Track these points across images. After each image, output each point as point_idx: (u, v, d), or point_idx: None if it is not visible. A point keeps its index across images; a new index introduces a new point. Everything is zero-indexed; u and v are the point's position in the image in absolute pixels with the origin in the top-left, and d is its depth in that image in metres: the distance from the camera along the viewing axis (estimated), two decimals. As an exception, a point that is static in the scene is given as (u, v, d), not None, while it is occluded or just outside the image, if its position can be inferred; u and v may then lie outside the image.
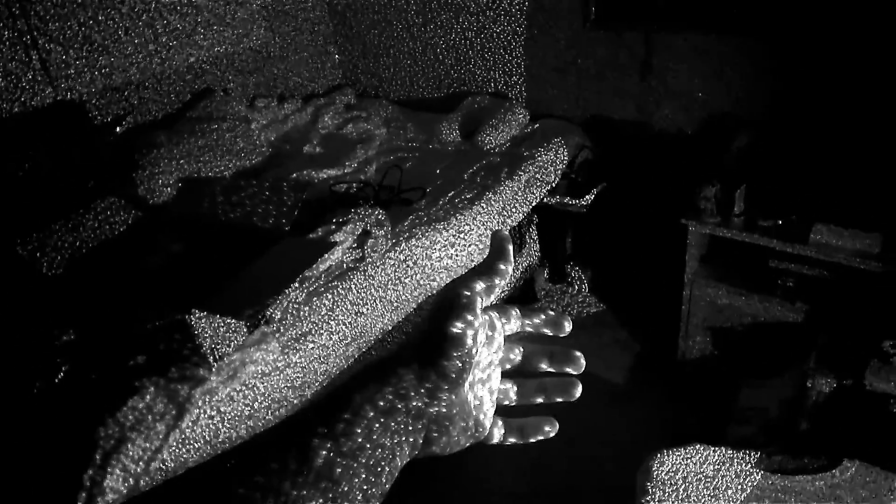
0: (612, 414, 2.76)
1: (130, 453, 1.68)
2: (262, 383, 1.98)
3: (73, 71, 2.69)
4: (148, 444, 1.71)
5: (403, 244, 2.51)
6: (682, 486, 1.57)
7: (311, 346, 2.12)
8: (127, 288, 2.19)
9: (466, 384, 0.50)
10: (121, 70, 2.86)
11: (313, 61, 4.10)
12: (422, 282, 2.57)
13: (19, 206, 2.50)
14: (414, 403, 0.47)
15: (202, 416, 1.82)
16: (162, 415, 1.77)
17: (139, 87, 3.20)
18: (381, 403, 0.46)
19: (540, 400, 0.57)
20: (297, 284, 2.14)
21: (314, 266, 2.22)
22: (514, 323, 0.56)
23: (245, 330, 1.96)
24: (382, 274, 2.40)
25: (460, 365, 0.49)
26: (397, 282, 2.45)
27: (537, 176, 3.10)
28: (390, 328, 2.50)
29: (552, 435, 0.57)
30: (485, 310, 0.53)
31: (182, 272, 2.27)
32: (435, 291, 2.64)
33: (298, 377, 2.10)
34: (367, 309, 2.34)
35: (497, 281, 0.54)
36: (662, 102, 3.16)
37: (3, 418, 1.81)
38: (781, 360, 2.51)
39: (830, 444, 1.86)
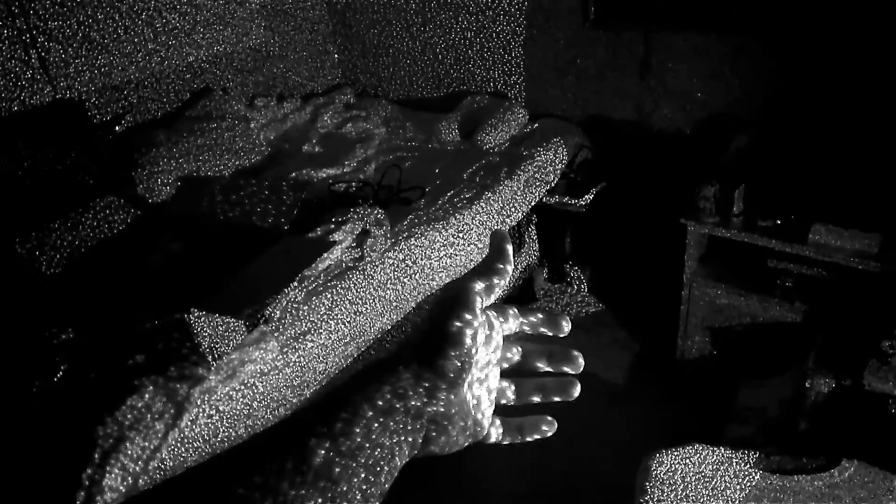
0: (612, 414, 2.76)
1: (129, 452, 1.68)
2: (261, 382, 1.98)
3: (72, 70, 2.68)
4: (147, 443, 1.71)
5: (402, 244, 2.51)
6: (681, 486, 1.57)
7: (310, 345, 2.12)
8: (126, 287, 2.19)
9: (465, 384, 0.50)
10: (120, 69, 2.86)
11: (313, 60, 4.10)
12: (421, 281, 2.57)
13: (18, 205, 2.49)
14: (413, 403, 0.47)
15: (201, 415, 1.82)
16: (161, 414, 1.77)
17: (138, 86, 3.19)
18: (380, 403, 0.46)
19: (538, 399, 0.57)
20: (296, 284, 2.14)
21: (313, 265, 2.22)
22: (512, 322, 0.56)
23: (244, 329, 1.96)
24: (381, 273, 2.40)
25: (459, 364, 0.49)
26: (396, 281, 2.45)
27: (536, 175, 3.10)
28: (389, 327, 2.50)
29: (550, 434, 0.57)
30: (484, 309, 0.53)
31: (181, 271, 2.27)
32: (434, 291, 2.64)
33: (297, 376, 2.10)
34: (366, 308, 2.34)
35: (496, 281, 0.54)
36: (661, 102, 3.16)
37: (2, 417, 1.81)
38: (780, 360, 2.51)
39: (829, 444, 1.86)
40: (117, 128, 3.04)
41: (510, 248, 0.56)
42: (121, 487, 1.65)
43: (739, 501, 1.55)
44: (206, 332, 1.89)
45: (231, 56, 3.60)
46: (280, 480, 0.40)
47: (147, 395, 1.78)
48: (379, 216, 2.51)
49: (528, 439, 0.57)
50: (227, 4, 3.33)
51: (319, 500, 0.40)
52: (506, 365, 0.57)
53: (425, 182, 3.00)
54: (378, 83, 4.18)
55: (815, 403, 2.24)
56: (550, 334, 0.58)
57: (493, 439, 0.55)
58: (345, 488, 0.42)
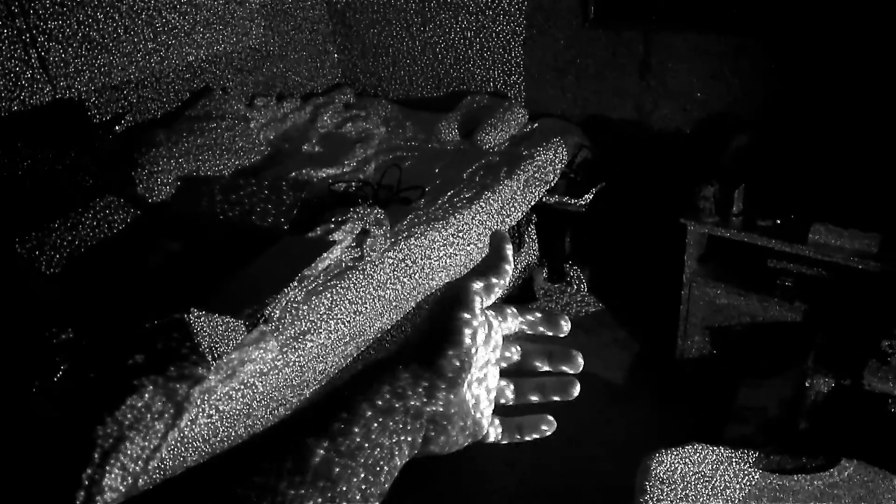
0: (611, 413, 2.76)
1: (129, 452, 1.68)
2: (261, 382, 1.98)
3: (72, 69, 2.68)
4: (146, 443, 1.71)
5: (402, 243, 2.51)
6: (681, 486, 1.57)
7: (309, 344, 2.12)
8: (126, 287, 2.19)
9: (465, 384, 0.50)
10: (120, 69, 2.86)
11: (312, 60, 4.10)
12: (420, 281, 2.57)
13: (18, 205, 2.49)
14: (412, 403, 0.47)
15: (201, 414, 1.82)
16: (160, 413, 1.77)
17: (138, 85, 3.19)
18: (379, 403, 0.46)
19: (537, 399, 0.57)
20: (295, 283, 2.14)
21: (313, 265, 2.22)
22: (511, 322, 0.56)
23: (244, 329, 1.96)
24: (381, 273, 2.40)
25: (458, 364, 0.49)
26: (396, 281, 2.45)
27: (536, 175, 3.10)
28: (389, 327, 2.50)
29: (550, 433, 0.57)
30: (483, 309, 0.53)
31: (181, 271, 2.27)
32: (434, 291, 2.64)
33: (297, 376, 2.10)
34: (366, 308, 2.34)
35: (496, 281, 0.54)
36: (661, 102, 3.16)
37: (2, 417, 1.81)
38: (780, 359, 2.51)
39: (828, 443, 1.86)
40: (117, 127, 3.04)
41: (510, 248, 0.57)
42: (120, 487, 1.65)
43: (739, 501, 1.55)
44: (205, 331, 1.89)
45: (231, 56, 3.60)
46: (279, 480, 0.40)
47: (147, 395, 1.78)
48: (378, 216, 2.51)
49: (528, 439, 0.57)
50: (226, 4, 3.33)
51: (319, 500, 0.40)
52: (505, 364, 0.57)
53: (425, 182, 3.00)
54: (378, 83, 4.18)
55: (814, 403, 2.24)
56: (550, 334, 0.58)
57: (491, 439, 0.55)
58: (344, 488, 0.42)
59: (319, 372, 2.19)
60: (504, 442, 0.56)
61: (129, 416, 1.73)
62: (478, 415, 0.52)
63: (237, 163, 3.15)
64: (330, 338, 2.20)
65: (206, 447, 1.83)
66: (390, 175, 3.02)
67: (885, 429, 2.15)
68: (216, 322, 1.91)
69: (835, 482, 1.57)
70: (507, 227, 3.06)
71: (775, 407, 2.35)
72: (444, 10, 3.64)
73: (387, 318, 2.46)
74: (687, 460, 1.62)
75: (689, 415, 2.64)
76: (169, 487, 0.41)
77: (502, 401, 0.56)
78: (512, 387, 0.56)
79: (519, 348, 0.57)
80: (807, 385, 2.24)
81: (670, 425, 2.59)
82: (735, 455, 1.64)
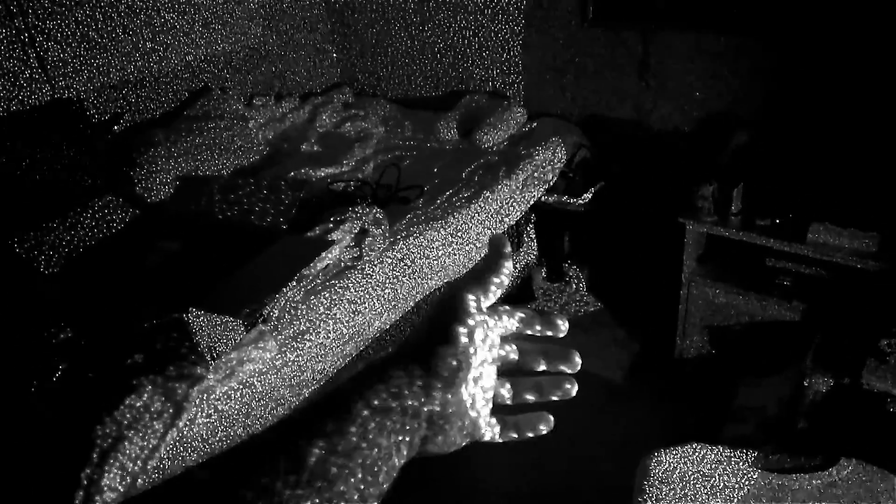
0: (610, 413, 2.76)
1: (128, 452, 1.68)
2: (260, 382, 1.98)
3: (70, 69, 2.68)
4: (145, 443, 1.71)
5: (401, 243, 2.51)
6: (680, 485, 1.57)
7: (308, 344, 2.12)
8: (124, 286, 2.18)
9: (463, 384, 0.50)
10: (118, 68, 2.86)
11: (311, 60, 4.09)
12: (419, 280, 2.57)
13: (17, 205, 2.49)
14: (409, 402, 0.47)
15: (200, 414, 1.82)
16: (159, 413, 1.76)
17: (137, 85, 3.19)
18: (376, 402, 0.46)
19: (535, 398, 0.57)
20: (294, 283, 2.14)
21: (312, 264, 2.22)
22: (508, 322, 0.56)
23: (242, 328, 1.96)
24: (380, 272, 2.40)
25: (454, 364, 0.49)
26: (395, 280, 2.45)
27: (535, 175, 3.10)
28: (388, 327, 2.50)
29: (547, 431, 0.57)
30: (481, 310, 0.53)
31: (179, 271, 2.27)
32: (433, 290, 2.64)
33: (296, 376, 2.10)
34: (365, 307, 2.34)
35: (495, 283, 0.55)
36: (660, 102, 3.16)
37: (1, 417, 1.81)
38: (779, 358, 2.51)
39: (827, 442, 1.86)
40: (116, 127, 3.04)
41: (509, 251, 0.57)
42: (119, 487, 1.65)
43: (738, 500, 1.55)
44: (204, 331, 1.89)
45: (229, 55, 3.60)
46: (274, 480, 0.40)
47: (146, 395, 1.78)
48: (377, 215, 2.51)
49: (526, 437, 0.57)
50: (225, 4, 3.33)
51: (316, 501, 0.40)
52: (502, 364, 0.57)
53: (424, 181, 3.00)
54: (376, 82, 4.18)
55: (813, 402, 2.24)
56: (550, 334, 0.58)
57: (489, 438, 0.55)
58: (342, 488, 0.42)
59: (318, 372, 2.19)
60: (502, 440, 0.56)
61: (127, 415, 1.73)
62: (474, 414, 0.52)
63: (236, 162, 3.15)
64: (329, 337, 2.19)
65: (204, 447, 1.83)
66: (389, 175, 3.02)
67: (884, 428, 2.15)
68: (215, 322, 1.91)
69: (833, 481, 1.57)
70: (506, 226, 3.07)
71: (774, 406, 2.35)
72: (442, 9, 3.63)
73: (386, 318, 2.46)
74: (686, 460, 1.62)
75: (688, 414, 2.64)
76: (168, 487, 0.41)
77: (499, 400, 0.56)
78: (508, 386, 0.56)
79: (516, 348, 0.57)
80: (805, 384, 2.24)
81: (669, 425, 2.59)
82: (734, 454, 1.64)
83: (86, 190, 2.63)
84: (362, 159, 3.31)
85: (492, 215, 2.87)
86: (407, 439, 0.46)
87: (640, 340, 3.18)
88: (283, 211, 2.56)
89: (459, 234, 2.69)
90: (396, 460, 0.46)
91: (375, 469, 0.44)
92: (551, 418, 0.57)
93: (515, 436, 0.56)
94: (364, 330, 2.36)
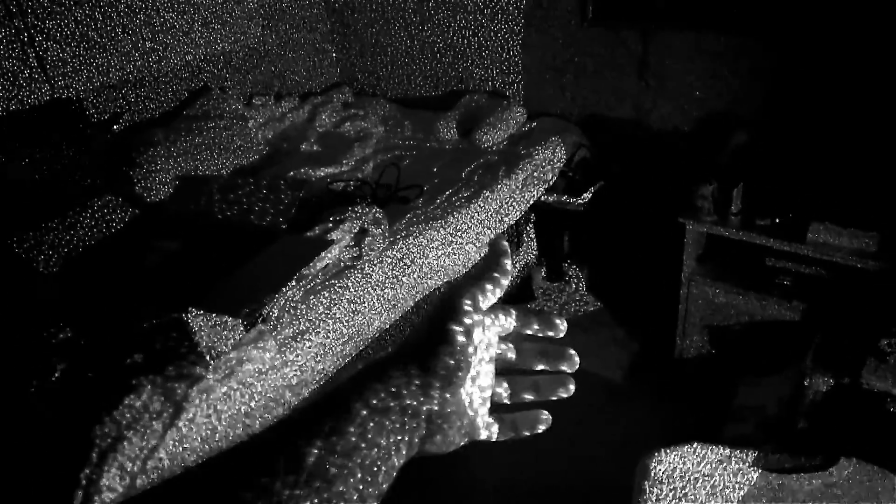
0: (610, 413, 2.76)
1: (127, 452, 1.68)
2: (259, 382, 1.98)
3: (70, 69, 2.67)
4: (145, 443, 1.71)
5: (400, 242, 2.51)
6: (680, 485, 1.57)
7: (308, 344, 2.12)
8: (124, 286, 2.18)
9: (461, 383, 0.50)
10: (118, 68, 2.85)
11: (311, 59, 4.09)
12: (419, 280, 2.56)
13: (16, 204, 2.49)
14: (408, 402, 0.47)
15: (199, 414, 1.82)
16: (159, 413, 1.76)
17: (136, 84, 3.19)
18: (374, 402, 0.46)
19: (532, 397, 0.57)
20: (294, 283, 2.14)
21: (311, 264, 2.22)
22: (506, 321, 0.56)
23: (242, 328, 1.96)
24: (380, 272, 2.40)
25: (452, 363, 0.49)
26: (394, 280, 2.45)
27: (535, 174, 3.10)
28: (387, 326, 2.49)
29: (545, 428, 0.57)
30: (480, 310, 0.53)
31: (179, 270, 2.27)
32: (432, 290, 2.64)
33: (295, 375, 2.10)
34: (365, 307, 2.33)
35: (493, 286, 0.55)
36: (660, 101, 3.16)
37: (0, 417, 1.81)
38: (778, 358, 2.51)
39: (827, 442, 1.86)
40: (115, 127, 3.03)
41: (508, 253, 0.58)
42: (119, 487, 1.65)
43: (738, 500, 1.55)
44: (203, 331, 1.89)
45: (229, 55, 3.60)
46: (273, 480, 0.40)
47: (145, 395, 1.78)
48: (377, 215, 2.50)
49: (524, 435, 0.57)
50: (224, 3, 3.32)
51: (315, 501, 0.40)
52: (499, 363, 0.57)
53: (423, 181, 3.00)
54: (376, 82, 4.18)
55: (813, 402, 2.24)
56: (550, 334, 0.58)
57: (485, 436, 0.55)
58: (341, 489, 0.42)
59: (318, 371, 2.19)
60: (500, 439, 0.56)
61: (127, 415, 1.73)
62: (472, 413, 0.52)
63: (235, 162, 3.15)
64: (328, 337, 2.19)
65: (204, 447, 1.83)
66: (389, 174, 3.02)
67: (884, 427, 2.15)
68: (214, 321, 1.91)
69: (833, 481, 1.57)
70: (506, 226, 3.06)
71: (774, 406, 2.35)
72: (442, 9, 3.63)
73: (385, 318, 2.46)
74: (686, 459, 1.62)
75: (688, 414, 2.64)
76: (167, 487, 0.41)
77: (497, 399, 0.56)
78: (506, 385, 0.56)
79: (513, 347, 0.57)
80: (805, 384, 2.24)
81: (669, 424, 2.59)
82: (734, 454, 1.64)
83: (85, 189, 2.63)
84: (362, 159, 3.31)
85: (491, 215, 2.87)
86: (406, 439, 0.46)
87: (639, 340, 3.18)
88: (282, 210, 2.56)
89: (459, 233, 2.69)
90: (396, 460, 0.46)
91: (374, 469, 0.44)
92: (549, 416, 0.57)
93: (513, 434, 0.56)
94: (364, 330, 2.36)
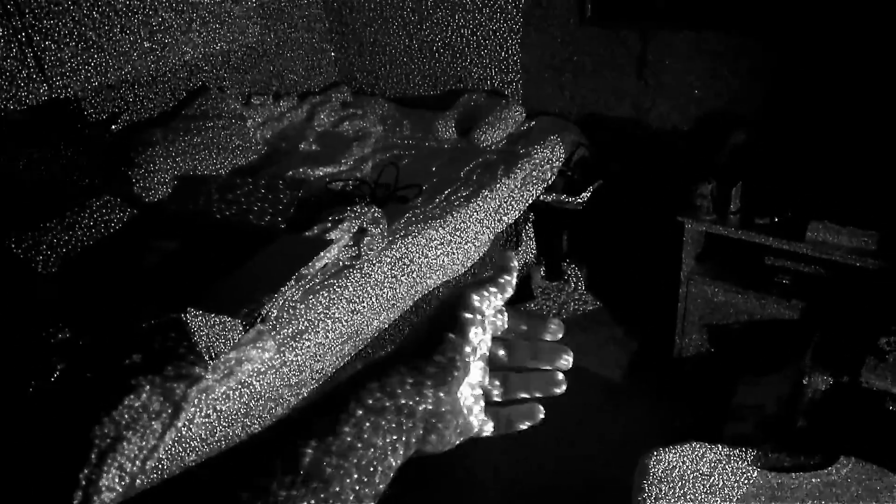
0: (609, 412, 2.76)
1: (126, 452, 1.68)
2: (259, 381, 1.98)
3: (68, 68, 2.67)
4: (144, 443, 1.71)
5: (399, 242, 2.51)
6: (679, 484, 1.57)
7: (307, 344, 2.12)
8: (122, 286, 2.18)
9: (458, 383, 0.50)
10: (116, 68, 2.85)
11: (309, 59, 4.09)
12: (418, 279, 2.56)
13: (14, 205, 2.49)
14: (403, 401, 0.47)
15: (198, 414, 1.82)
16: (158, 413, 1.76)
17: (134, 84, 3.19)
18: (370, 402, 0.46)
19: (524, 395, 0.57)
20: (293, 282, 2.14)
21: (310, 264, 2.22)
22: (499, 321, 0.57)
23: (241, 328, 1.96)
24: (378, 272, 2.40)
25: (445, 362, 0.49)
26: (393, 280, 2.45)
27: (533, 174, 3.10)
28: (386, 326, 2.49)
29: (540, 419, 0.57)
30: (479, 311, 0.54)
31: (177, 270, 2.27)
32: (431, 289, 2.64)
33: (295, 375, 2.10)
34: (364, 307, 2.33)
35: (497, 291, 0.56)
36: (659, 100, 3.16)
37: (-2, 417, 1.81)
38: (778, 357, 2.51)
39: (827, 441, 1.86)
40: (114, 127, 3.03)
41: (515, 265, 0.58)
42: (118, 487, 1.65)
43: (737, 499, 1.55)
44: (202, 331, 1.89)
45: (227, 54, 3.59)
46: (270, 481, 0.40)
47: (144, 395, 1.78)
48: (376, 214, 2.50)
49: (518, 429, 0.57)
50: (223, 3, 3.32)
51: (311, 501, 0.40)
52: (493, 362, 0.57)
53: (422, 180, 2.99)
54: (375, 81, 4.17)
55: (812, 401, 2.24)
56: (547, 336, 0.58)
57: (476, 430, 0.55)
58: (337, 489, 0.42)
59: (317, 371, 2.19)
60: (495, 434, 0.56)
61: (126, 416, 1.73)
62: (465, 411, 0.52)
63: (234, 162, 3.14)
64: (327, 337, 2.19)
65: (203, 447, 1.83)
66: (387, 174, 3.02)
67: (883, 426, 2.15)
68: (213, 321, 1.91)
69: (833, 480, 1.57)
70: (505, 225, 3.06)
71: (773, 405, 2.35)
72: (440, 8, 3.63)
73: (384, 317, 2.46)
74: (685, 459, 1.62)
75: (687, 413, 2.64)
76: (166, 488, 0.41)
77: (490, 397, 0.57)
78: (497, 382, 0.57)
79: (507, 346, 0.57)
80: (805, 383, 2.24)
81: (668, 423, 2.59)
82: (733, 453, 1.64)
83: (84, 189, 2.63)
84: (360, 158, 3.30)
85: (490, 214, 2.87)
86: (403, 439, 0.46)
87: (638, 339, 3.18)
88: (281, 210, 2.55)
89: (458, 233, 2.69)
90: (392, 460, 0.46)
91: (371, 469, 0.44)
92: (543, 410, 0.57)
93: (508, 429, 0.57)
94: (363, 329, 2.36)
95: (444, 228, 2.63)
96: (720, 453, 1.64)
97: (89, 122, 2.91)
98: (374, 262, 2.39)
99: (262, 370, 1.99)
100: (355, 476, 0.43)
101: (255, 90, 3.77)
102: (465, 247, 2.74)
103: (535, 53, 3.46)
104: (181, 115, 3.27)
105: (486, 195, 2.85)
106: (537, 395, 0.57)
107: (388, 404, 0.46)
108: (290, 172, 3.03)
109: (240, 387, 1.93)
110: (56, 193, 2.56)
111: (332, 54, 4.24)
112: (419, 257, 2.54)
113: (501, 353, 0.57)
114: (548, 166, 3.17)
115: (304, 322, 2.13)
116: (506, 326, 0.57)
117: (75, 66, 2.68)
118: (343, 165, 3.21)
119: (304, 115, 3.69)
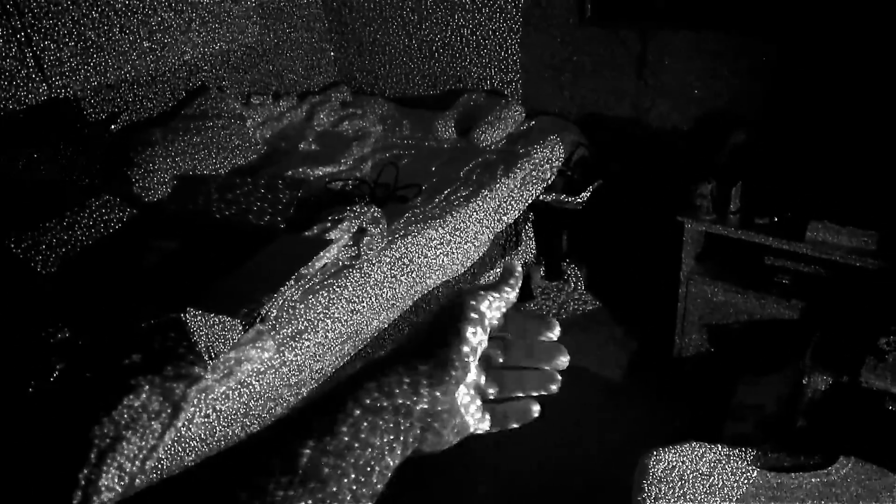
0: (608, 412, 2.76)
1: (126, 452, 1.68)
2: (258, 381, 1.98)
3: (67, 68, 2.67)
4: (143, 443, 1.71)
5: (399, 242, 2.51)
6: (679, 484, 1.57)
7: (306, 343, 2.11)
8: (122, 286, 2.18)
9: (456, 384, 0.51)
10: (115, 68, 2.85)
11: (309, 58, 4.09)
12: (418, 279, 2.56)
13: (14, 204, 2.49)
14: (400, 401, 0.47)
15: (198, 414, 1.81)
16: (157, 413, 1.76)
17: (134, 84, 3.19)
18: (367, 401, 0.46)
19: (518, 394, 0.57)
20: (292, 282, 2.14)
21: (310, 264, 2.21)
22: (496, 321, 0.57)
23: (240, 328, 1.96)
24: (378, 272, 2.40)
25: (446, 362, 0.49)
26: (393, 279, 2.45)
27: (533, 173, 3.09)
28: (386, 326, 2.49)
29: (536, 415, 0.57)
30: (480, 312, 0.54)
31: (177, 270, 2.27)
32: (431, 289, 2.64)
33: (294, 375, 2.10)
34: (363, 307, 2.33)
35: (500, 296, 0.56)
36: (658, 100, 3.16)
37: (-3, 417, 1.81)
38: (777, 357, 2.51)
39: (826, 441, 1.86)
40: (113, 126, 3.03)
41: (520, 274, 0.59)
42: (117, 487, 1.65)
43: (737, 499, 1.55)
44: (202, 331, 1.89)
45: (227, 54, 3.59)
46: (268, 480, 0.40)
47: (143, 395, 1.78)
48: (375, 214, 2.50)
49: (515, 426, 0.57)
50: (222, 2, 3.32)
51: (309, 501, 0.40)
52: (488, 360, 0.57)
53: (422, 180, 2.99)
54: (374, 81, 4.17)
55: (812, 401, 2.24)
56: (549, 335, 0.58)
57: (472, 429, 0.55)
58: (334, 489, 0.42)
59: (317, 371, 2.19)
60: (491, 430, 0.56)
61: (125, 415, 1.73)
62: (462, 410, 0.52)
63: (233, 161, 3.14)
64: (327, 337, 2.19)
65: (203, 447, 1.82)
66: (387, 173, 3.02)
67: (883, 426, 2.15)
68: (213, 321, 1.91)
69: (832, 480, 1.57)
70: (504, 225, 3.06)
71: (773, 404, 2.35)
72: (440, 7, 3.63)
73: (384, 317, 2.46)
74: (685, 458, 1.62)
75: (686, 413, 2.64)
76: (165, 487, 0.41)
77: (485, 396, 0.57)
78: (493, 380, 0.57)
79: (502, 345, 0.57)
80: (804, 382, 2.24)
81: (668, 423, 2.59)
82: (733, 453, 1.64)
83: (83, 189, 2.63)
84: (360, 158, 3.30)
85: (490, 214, 2.87)
86: (401, 438, 0.46)
87: (638, 339, 3.18)
88: (280, 210, 2.55)
89: (458, 232, 2.69)
90: (390, 460, 0.46)
91: (368, 469, 0.44)
92: (539, 406, 0.57)
93: (504, 426, 0.57)
94: (362, 329, 2.35)
95: (443, 228, 2.63)
96: (720, 453, 1.64)
97: (89, 121, 2.91)
98: (373, 261, 2.39)
99: (262, 370, 1.99)
100: (353, 476, 0.43)
101: (254, 90, 3.77)
102: (465, 247, 2.74)
103: (535, 53, 3.46)
104: (181, 114, 3.26)
105: (486, 195, 2.84)
106: (533, 393, 0.57)
107: (385, 404, 0.46)
108: (290, 172, 3.03)
109: (239, 387, 1.93)
110: (55, 193, 2.56)
111: (332, 54, 4.23)
112: (419, 257, 2.54)
113: (497, 351, 0.57)
114: (547, 166, 3.17)
115: (303, 322, 2.13)
116: (503, 322, 0.57)
117: (74, 65, 2.68)
118: (343, 165, 3.21)
119: (303, 115, 3.69)
